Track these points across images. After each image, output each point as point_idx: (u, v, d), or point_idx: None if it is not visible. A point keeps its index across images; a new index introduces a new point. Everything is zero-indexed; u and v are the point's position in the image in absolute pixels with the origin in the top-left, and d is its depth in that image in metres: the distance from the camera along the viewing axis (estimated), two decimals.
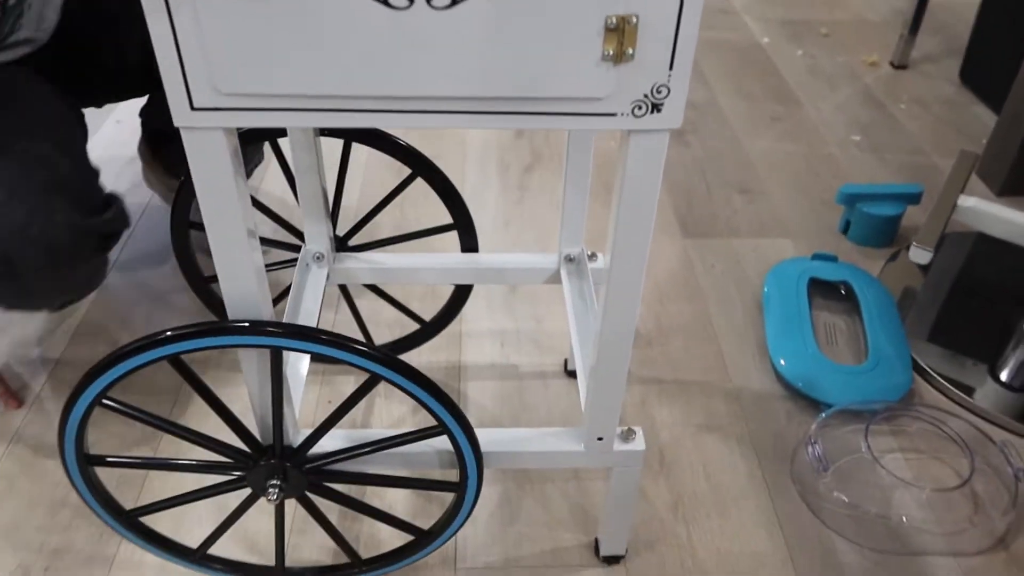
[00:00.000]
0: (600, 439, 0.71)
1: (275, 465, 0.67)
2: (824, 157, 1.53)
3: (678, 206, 1.38)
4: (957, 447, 0.96)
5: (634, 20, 0.45)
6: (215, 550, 0.77)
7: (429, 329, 1.05)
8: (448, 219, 0.93)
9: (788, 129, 1.62)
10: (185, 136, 0.49)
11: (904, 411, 1.00)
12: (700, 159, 1.51)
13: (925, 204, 1.32)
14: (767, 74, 1.82)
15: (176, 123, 0.48)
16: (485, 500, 0.89)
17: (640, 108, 0.49)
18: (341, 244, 0.93)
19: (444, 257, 0.92)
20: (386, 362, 0.60)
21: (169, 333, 0.57)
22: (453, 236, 0.94)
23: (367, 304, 1.07)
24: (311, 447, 0.67)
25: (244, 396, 0.65)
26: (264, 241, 0.81)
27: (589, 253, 0.91)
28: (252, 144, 1.16)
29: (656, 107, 0.49)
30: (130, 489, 0.90)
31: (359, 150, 0.90)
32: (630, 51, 0.46)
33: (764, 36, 2.00)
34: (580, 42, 0.46)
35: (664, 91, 0.48)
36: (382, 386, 1.02)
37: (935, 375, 1.05)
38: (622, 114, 0.49)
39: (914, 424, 0.99)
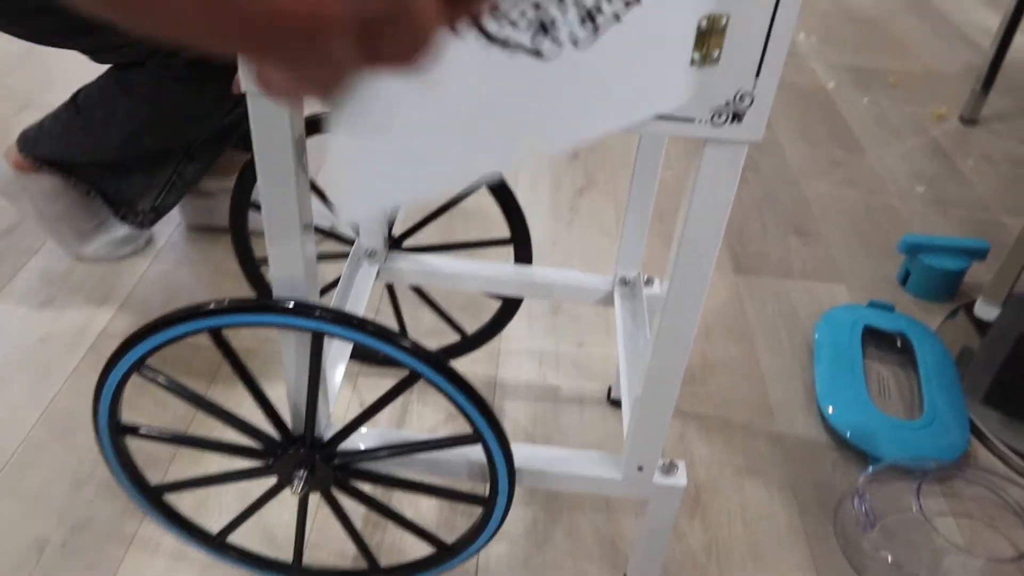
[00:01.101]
0: (640, 469, 0.68)
1: (304, 455, 0.65)
2: (885, 206, 1.49)
3: (731, 242, 1.35)
4: (1015, 517, 0.90)
5: (724, 20, 0.43)
6: (234, 539, 0.75)
7: (470, 342, 1.03)
8: (505, 233, 0.91)
9: (849, 175, 1.58)
10: (251, 103, 0.48)
11: (959, 473, 0.95)
12: (757, 197, 1.48)
13: (990, 262, 1.27)
14: (831, 119, 1.79)
15: (243, 88, 0.47)
16: (512, 522, 0.86)
17: (720, 116, 0.47)
18: (395, 244, 0.92)
19: (496, 267, 0.90)
20: (430, 360, 0.58)
21: (213, 305, 0.56)
22: (501, 252, 0.92)
23: (409, 311, 1.06)
24: (342, 441, 0.66)
25: (279, 390, 0.64)
26: (318, 231, 0.80)
27: (646, 278, 0.88)
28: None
29: (737, 116, 0.47)
30: (156, 471, 0.89)
31: None
32: (716, 53, 0.44)
33: (830, 81, 1.96)
34: (674, 48, 0.44)
35: (747, 99, 0.46)
36: (416, 392, 1.00)
37: (993, 439, 1.00)
38: (700, 121, 0.47)
39: (969, 488, 0.94)
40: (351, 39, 0.24)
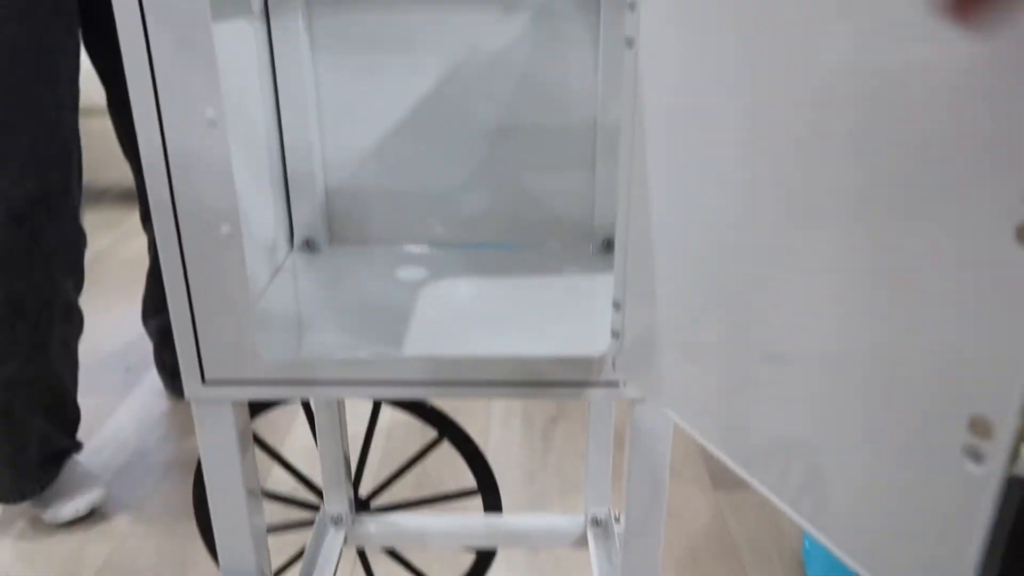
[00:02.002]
0: None
1: None
2: None
3: (707, 457, 1.36)
4: None
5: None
6: None
7: None
8: (472, 481, 0.92)
9: None
10: (194, 408, 0.51)
11: None
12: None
13: None
14: None
15: (187, 395, 0.50)
16: None
17: None
18: (362, 505, 0.92)
19: (466, 519, 0.90)
20: None
21: None
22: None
23: (384, 569, 1.03)
24: None
25: None
26: (282, 499, 0.80)
27: (616, 515, 0.88)
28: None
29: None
30: None
31: (383, 407, 0.92)
32: None
33: None
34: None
35: None
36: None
37: None
38: (624, 383, 0.51)
39: None
40: None
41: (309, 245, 0.74)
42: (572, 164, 0.72)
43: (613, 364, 0.48)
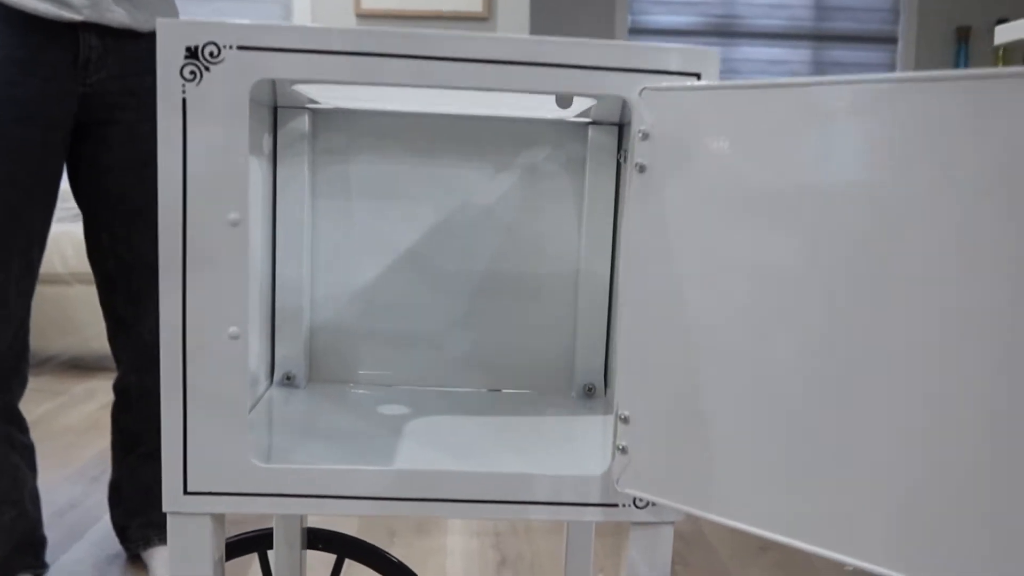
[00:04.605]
0: None
1: None
2: None
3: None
4: None
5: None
6: None
7: None
8: None
9: (778, 559, 1.58)
10: (170, 521, 0.48)
11: None
12: None
13: None
14: None
15: (165, 508, 0.47)
16: None
17: (641, 501, 0.50)
18: None
19: None
20: None
21: None
22: None
23: None
24: None
25: None
26: None
27: None
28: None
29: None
30: None
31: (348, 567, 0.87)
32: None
33: None
34: None
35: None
36: None
37: None
38: (623, 505, 0.50)
39: None
40: None
41: (289, 380, 0.73)
42: (554, 313, 0.75)
43: (617, 481, 0.47)
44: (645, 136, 0.44)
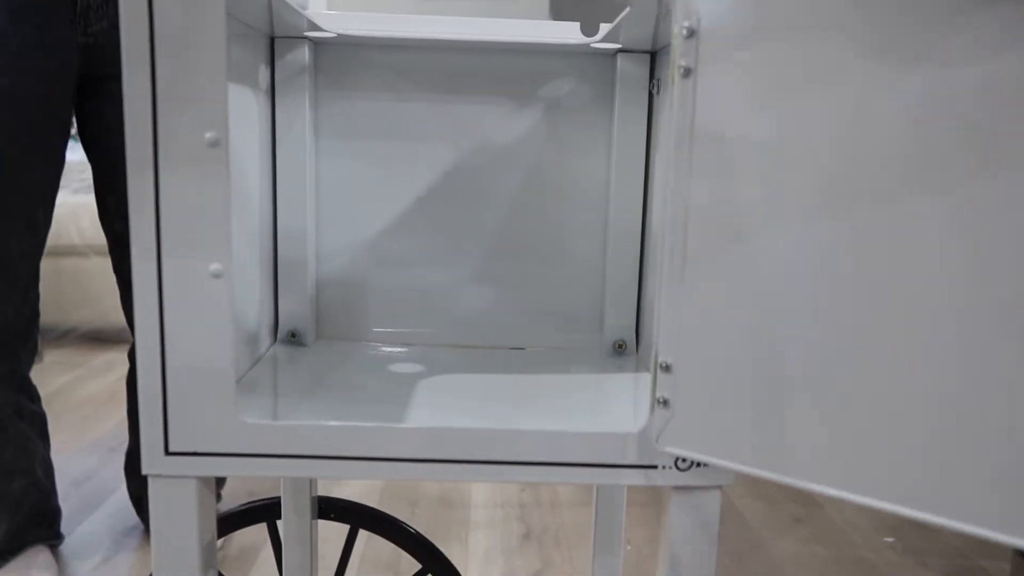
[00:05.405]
0: None
1: None
2: (856, 560, 1.41)
3: None
4: None
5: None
6: None
7: None
8: None
9: (813, 531, 1.52)
10: (152, 488, 0.42)
11: None
12: (725, 563, 1.39)
13: None
14: None
15: (145, 470, 0.42)
16: None
17: (684, 462, 0.44)
18: None
19: None
20: None
21: None
22: None
23: None
24: None
25: None
26: None
27: None
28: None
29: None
30: None
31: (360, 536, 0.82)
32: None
33: None
34: None
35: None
36: None
37: None
38: (663, 467, 0.44)
39: None
40: None
41: (294, 337, 0.68)
42: (581, 263, 0.69)
43: (657, 439, 0.41)
44: (691, 33, 0.38)
